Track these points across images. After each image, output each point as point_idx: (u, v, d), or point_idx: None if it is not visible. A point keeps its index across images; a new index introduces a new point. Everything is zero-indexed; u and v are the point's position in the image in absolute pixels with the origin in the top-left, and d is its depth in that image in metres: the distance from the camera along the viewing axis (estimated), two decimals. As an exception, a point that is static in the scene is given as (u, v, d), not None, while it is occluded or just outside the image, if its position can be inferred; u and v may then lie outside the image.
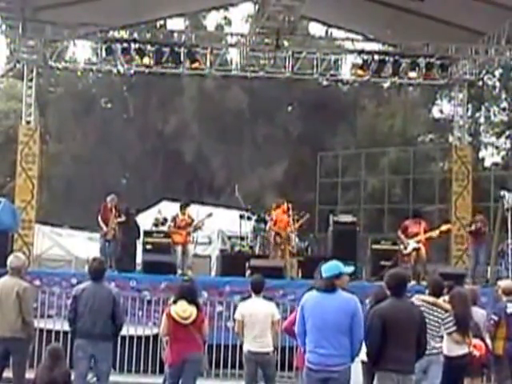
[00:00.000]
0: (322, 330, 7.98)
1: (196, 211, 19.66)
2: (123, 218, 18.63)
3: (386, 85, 26.96)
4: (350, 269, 8.57)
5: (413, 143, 32.26)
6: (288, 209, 18.39)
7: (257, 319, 10.66)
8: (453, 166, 23.46)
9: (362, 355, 10.91)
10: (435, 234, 18.00)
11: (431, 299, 9.94)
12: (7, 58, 24.10)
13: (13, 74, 33.92)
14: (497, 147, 35.20)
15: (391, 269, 16.84)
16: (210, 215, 18.86)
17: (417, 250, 17.57)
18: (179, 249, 18.30)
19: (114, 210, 18.64)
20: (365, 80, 23.53)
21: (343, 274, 8.28)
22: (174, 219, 18.56)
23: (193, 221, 18.58)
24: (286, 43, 22.93)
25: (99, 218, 18.64)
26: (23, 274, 10.32)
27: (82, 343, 9.73)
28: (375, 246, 18.44)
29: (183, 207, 18.75)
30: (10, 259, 10.08)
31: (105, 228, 18.53)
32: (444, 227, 18.50)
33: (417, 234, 17.72)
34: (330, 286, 8.07)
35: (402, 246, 17.88)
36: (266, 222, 19.23)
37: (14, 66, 27.21)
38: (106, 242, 18.59)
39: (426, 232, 17.85)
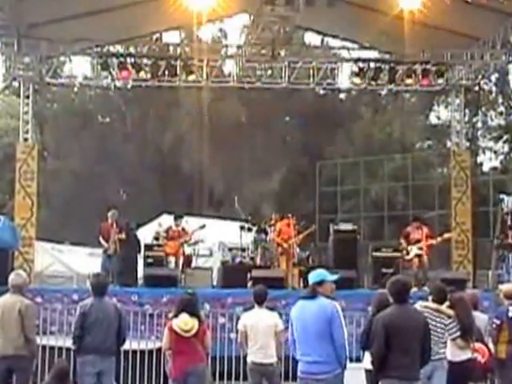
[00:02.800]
0: (306, 338, 8.11)
1: (196, 223, 19.77)
2: (123, 235, 18.67)
3: (383, 92, 26.98)
4: (333, 277, 8.60)
5: (411, 150, 32.26)
6: (294, 224, 18.52)
7: (260, 330, 10.65)
8: (451, 171, 23.50)
9: (366, 363, 10.94)
10: (437, 241, 18.04)
11: (434, 305, 9.93)
12: (3, 76, 24.06)
13: (10, 91, 33.92)
14: (495, 152, 35.20)
15: (393, 276, 17.06)
16: (202, 227, 19.17)
17: (419, 256, 17.59)
18: (172, 260, 18.47)
19: (114, 226, 18.72)
20: (361, 88, 23.58)
21: (325, 281, 8.38)
22: (167, 231, 18.89)
23: (185, 233, 18.79)
24: (281, 53, 22.97)
25: (100, 237, 18.74)
26: (24, 291, 10.29)
27: (91, 359, 9.73)
28: (376, 254, 18.45)
29: (177, 219, 19.09)
30: (11, 277, 10.07)
31: (106, 244, 18.59)
32: (446, 235, 18.58)
33: (419, 241, 17.74)
34: (310, 293, 8.20)
35: (404, 252, 17.91)
36: (266, 233, 19.29)
37: (11, 84, 27.14)
38: (107, 257, 18.63)
39: (428, 238, 17.88)
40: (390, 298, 8.36)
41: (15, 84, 26.85)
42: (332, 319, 8.07)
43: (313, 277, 8.36)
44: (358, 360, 12.45)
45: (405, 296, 8.26)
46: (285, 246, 18.25)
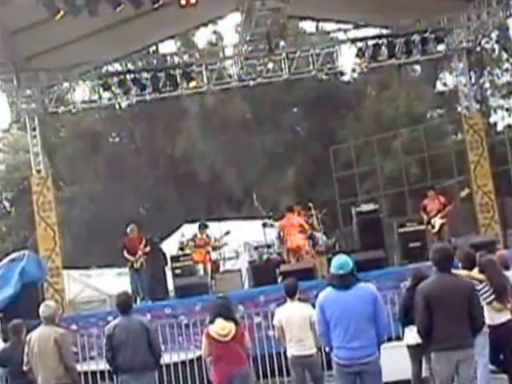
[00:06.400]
0: (348, 324, 8.02)
1: (219, 229, 19.83)
2: (147, 248, 18.77)
3: (385, 68, 26.86)
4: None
5: (422, 121, 32.10)
6: (299, 212, 18.45)
7: (295, 323, 10.66)
8: (465, 136, 23.37)
9: (408, 339, 10.95)
10: (455, 204, 18.00)
11: (464, 272, 9.91)
12: (10, 112, 24.19)
13: (15, 127, 34.16)
14: (507, 109, 34.97)
15: (421, 250, 17.05)
16: (227, 233, 19.25)
17: (443, 225, 17.58)
18: (201, 268, 18.53)
19: (138, 240, 18.82)
20: (363, 67, 23.52)
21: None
22: (193, 239, 18.95)
23: (210, 240, 18.92)
24: (279, 46, 22.95)
25: (124, 251, 18.84)
26: (58, 321, 10.36)
27: (126, 378, 9.78)
28: (401, 230, 18.36)
29: (201, 228, 19.17)
30: (41, 309, 10.11)
31: (131, 258, 18.68)
32: (462, 193, 18.46)
33: (439, 211, 17.71)
34: (346, 282, 8.12)
35: (429, 227, 17.88)
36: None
37: (18, 120, 27.31)
38: (135, 273, 18.72)
39: (445, 206, 17.86)
40: (433, 268, 8.25)
41: (20, 118, 26.96)
42: (376, 300, 8.10)
43: (339, 266, 8.23)
44: (398, 338, 12.50)
45: (447, 264, 8.14)
46: (299, 243, 18.11)
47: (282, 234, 18.72)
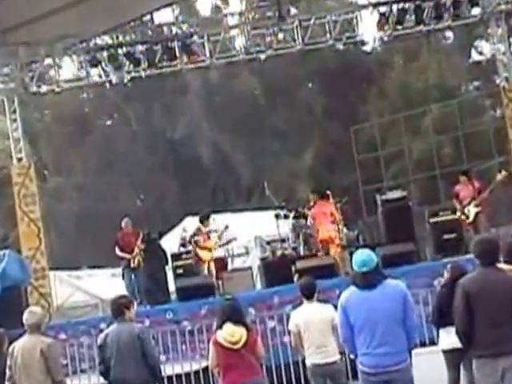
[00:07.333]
0: (375, 327, 7.97)
1: (226, 223, 19.81)
2: (143, 246, 18.76)
3: (413, 36, 26.73)
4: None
5: (456, 95, 32.02)
6: (335, 203, 18.46)
7: (314, 327, 10.62)
8: (505, 110, 23.27)
9: (443, 343, 10.90)
10: (491, 189, 17.92)
11: (507, 267, 9.83)
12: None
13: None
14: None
15: (456, 242, 16.99)
16: (226, 228, 19.23)
17: (478, 214, 17.53)
18: (205, 267, 18.54)
19: (134, 235, 18.83)
20: (387, 36, 23.41)
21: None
22: (197, 234, 18.95)
23: (209, 237, 18.90)
24: (290, 12, 22.89)
25: (117, 249, 18.83)
26: (44, 329, 10.33)
27: (121, 393, 9.76)
28: (434, 219, 18.32)
29: (203, 220, 19.14)
30: (25, 316, 10.08)
31: (127, 256, 18.67)
32: (500, 176, 18.35)
33: (473, 198, 17.65)
34: (371, 281, 8.08)
35: (463, 217, 17.83)
36: (306, 217, 19.20)
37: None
38: (131, 273, 18.72)
39: (480, 191, 17.81)
40: (475, 261, 8.17)
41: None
42: (406, 298, 8.08)
43: (363, 263, 8.20)
44: (432, 343, 12.45)
45: (492, 257, 7.95)
46: (331, 234, 18.14)
47: (312, 224, 18.66)
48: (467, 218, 17.78)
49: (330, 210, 18.16)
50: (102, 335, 9.97)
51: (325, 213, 18.19)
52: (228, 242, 19.53)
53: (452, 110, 28.57)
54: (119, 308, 9.96)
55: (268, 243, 20.52)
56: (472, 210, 17.58)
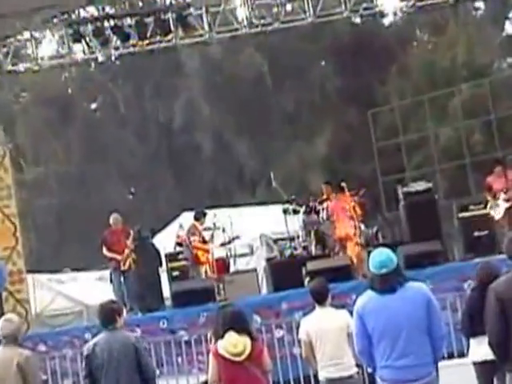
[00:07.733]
0: (396, 337, 7.94)
1: (228, 219, 19.80)
2: (133, 245, 18.73)
3: (438, 7, 26.69)
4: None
5: (487, 73, 32.02)
6: (352, 195, 18.48)
7: (327, 336, 10.58)
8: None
9: (474, 354, 10.88)
10: None
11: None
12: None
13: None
14: None
15: (489, 240, 16.96)
16: (236, 238, 19.37)
17: (510, 209, 17.53)
18: (202, 270, 18.57)
19: (123, 233, 18.82)
20: (409, 7, 23.38)
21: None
22: (192, 232, 18.96)
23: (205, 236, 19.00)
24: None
25: (104, 248, 18.81)
26: (21, 340, 10.33)
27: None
28: (463, 214, 18.37)
29: (198, 217, 19.16)
30: (0, 325, 10.11)
31: (116, 256, 18.66)
32: None
33: (507, 190, 17.64)
34: (390, 284, 8.06)
35: (492, 212, 17.79)
36: (317, 212, 19.21)
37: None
38: (120, 276, 18.69)
39: None
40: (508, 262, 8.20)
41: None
42: (430, 302, 8.01)
43: (380, 264, 8.19)
44: (461, 355, 12.44)
45: None
46: (348, 231, 18.16)
47: (328, 220, 18.68)
48: (498, 213, 17.75)
49: (350, 205, 18.14)
50: (89, 344, 9.93)
51: (343, 207, 18.18)
52: (230, 241, 19.52)
53: (483, 90, 28.56)
54: (111, 314, 9.94)
55: (275, 241, 20.55)
56: (502, 205, 17.56)
